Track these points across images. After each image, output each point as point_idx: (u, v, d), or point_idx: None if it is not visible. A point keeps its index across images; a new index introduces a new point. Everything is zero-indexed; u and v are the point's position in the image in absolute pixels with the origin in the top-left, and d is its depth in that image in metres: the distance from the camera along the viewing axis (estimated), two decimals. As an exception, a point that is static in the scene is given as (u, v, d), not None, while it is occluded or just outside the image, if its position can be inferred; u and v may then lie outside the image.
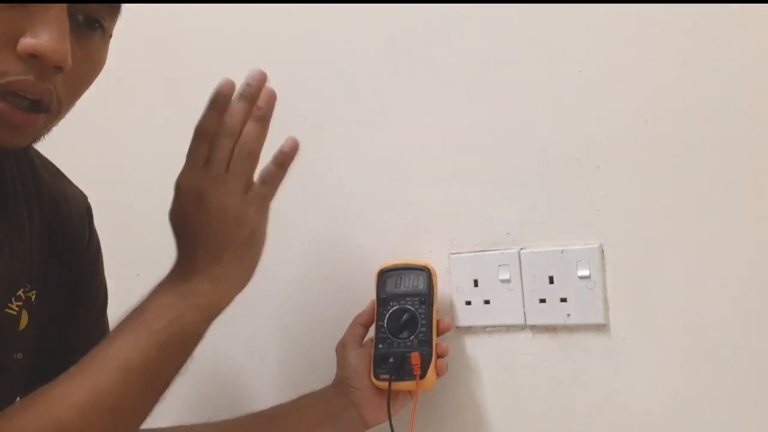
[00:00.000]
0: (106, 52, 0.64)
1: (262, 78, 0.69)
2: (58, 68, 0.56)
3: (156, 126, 1.10)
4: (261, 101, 0.69)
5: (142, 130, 1.10)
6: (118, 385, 0.62)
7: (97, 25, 0.60)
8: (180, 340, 0.66)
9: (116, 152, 1.12)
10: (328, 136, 0.96)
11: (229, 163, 0.68)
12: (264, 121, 0.69)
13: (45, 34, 0.54)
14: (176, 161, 1.07)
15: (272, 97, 0.69)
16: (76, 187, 0.81)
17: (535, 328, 0.84)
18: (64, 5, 0.56)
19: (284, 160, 0.71)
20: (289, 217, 0.98)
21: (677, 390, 0.77)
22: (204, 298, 0.67)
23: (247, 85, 0.69)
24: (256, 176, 0.70)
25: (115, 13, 0.62)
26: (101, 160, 1.12)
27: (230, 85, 0.68)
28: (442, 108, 0.89)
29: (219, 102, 0.68)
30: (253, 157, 0.69)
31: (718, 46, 0.74)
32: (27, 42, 0.54)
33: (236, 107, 0.68)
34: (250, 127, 0.68)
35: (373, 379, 0.84)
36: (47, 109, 0.58)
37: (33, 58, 0.55)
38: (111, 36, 0.64)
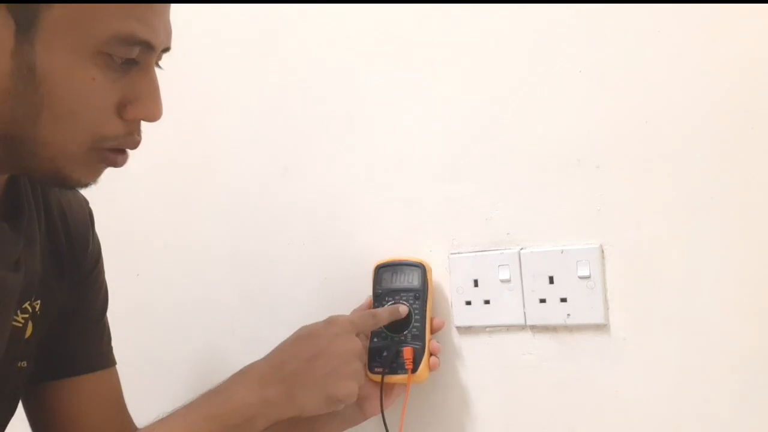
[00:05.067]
0: None
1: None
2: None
3: (156, 125, 1.09)
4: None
5: (142, 128, 1.10)
6: None
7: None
8: None
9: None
10: (329, 135, 0.96)
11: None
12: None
13: (149, 103, 0.64)
14: (176, 161, 1.08)
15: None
16: (78, 193, 0.82)
17: (535, 328, 0.84)
18: (154, 70, 0.64)
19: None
20: (289, 216, 0.99)
21: (677, 390, 0.77)
22: (279, 412, 0.75)
23: None
24: None
25: None
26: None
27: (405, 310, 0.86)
28: (442, 108, 0.89)
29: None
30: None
31: (718, 46, 0.74)
32: (136, 111, 0.63)
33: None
34: None
35: (368, 373, 0.85)
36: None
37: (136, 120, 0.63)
38: None
